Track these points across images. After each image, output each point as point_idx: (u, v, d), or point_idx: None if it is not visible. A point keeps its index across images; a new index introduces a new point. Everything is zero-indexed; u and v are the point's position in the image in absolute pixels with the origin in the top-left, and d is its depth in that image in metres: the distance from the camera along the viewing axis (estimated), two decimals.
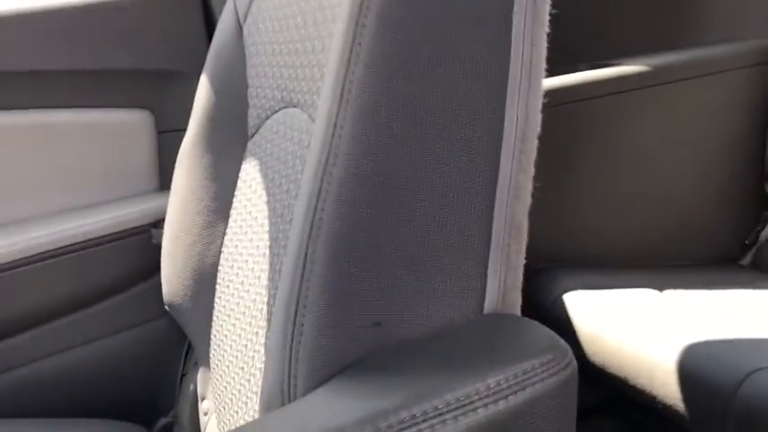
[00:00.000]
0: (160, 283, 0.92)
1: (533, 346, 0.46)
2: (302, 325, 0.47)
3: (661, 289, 1.12)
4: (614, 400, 1.07)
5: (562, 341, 0.48)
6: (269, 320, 0.66)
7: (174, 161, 0.95)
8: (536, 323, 0.51)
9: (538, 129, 0.53)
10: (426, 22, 0.48)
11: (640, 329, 0.97)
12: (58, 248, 0.97)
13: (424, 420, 0.41)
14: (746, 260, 1.34)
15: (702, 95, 1.28)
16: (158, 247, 0.96)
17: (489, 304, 0.52)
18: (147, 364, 1.01)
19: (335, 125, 0.47)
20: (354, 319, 0.47)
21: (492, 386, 0.43)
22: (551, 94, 1.28)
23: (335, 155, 0.47)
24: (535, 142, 0.53)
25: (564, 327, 1.07)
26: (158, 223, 1.03)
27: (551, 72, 1.12)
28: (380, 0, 0.49)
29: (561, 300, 1.08)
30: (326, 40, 0.63)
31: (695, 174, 1.30)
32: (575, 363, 0.47)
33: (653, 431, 1.11)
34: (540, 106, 0.53)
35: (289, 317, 0.47)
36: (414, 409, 0.41)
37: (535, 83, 0.52)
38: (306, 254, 0.47)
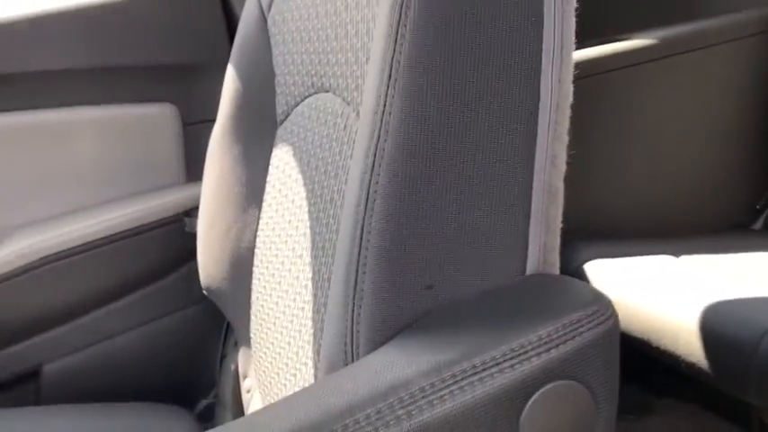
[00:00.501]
0: (195, 270, 0.96)
1: (579, 300, 0.50)
2: (362, 290, 0.50)
3: (677, 255, 1.16)
4: (637, 364, 1.11)
5: (604, 294, 0.52)
6: (315, 295, 0.70)
7: (201, 152, 0.98)
8: (577, 280, 0.54)
9: (570, 99, 0.57)
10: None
11: (660, 293, 1.01)
12: (96, 240, 1.01)
13: (484, 369, 0.45)
14: (758, 225, 1.38)
15: (711, 65, 1.31)
16: (191, 236, 0.99)
17: (531, 265, 0.56)
18: (187, 348, 1.05)
19: (385, 103, 0.50)
20: (410, 283, 0.51)
21: (543, 337, 0.46)
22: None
23: (386, 131, 0.50)
24: (568, 111, 0.57)
25: None
26: (191, 212, 1.06)
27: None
28: None
29: (582, 270, 1.11)
30: (360, 24, 0.66)
31: (706, 143, 1.33)
32: (617, 313, 0.51)
33: (672, 393, 1.15)
34: (571, 77, 0.56)
35: (349, 283, 0.51)
36: (474, 360, 0.45)
37: (567, 55, 0.55)
38: (362, 225, 0.51)
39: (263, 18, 0.91)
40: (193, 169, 1.09)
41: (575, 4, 0.55)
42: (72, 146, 1.03)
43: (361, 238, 0.51)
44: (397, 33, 0.50)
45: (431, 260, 0.52)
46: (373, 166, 0.51)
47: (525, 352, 0.45)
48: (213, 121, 0.97)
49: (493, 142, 0.52)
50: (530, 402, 0.46)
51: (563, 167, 0.58)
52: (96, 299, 1.02)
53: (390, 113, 0.50)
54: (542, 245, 0.56)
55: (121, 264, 1.03)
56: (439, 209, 0.51)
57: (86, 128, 1.04)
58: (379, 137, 0.50)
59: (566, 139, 0.58)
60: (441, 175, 0.51)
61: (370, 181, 0.51)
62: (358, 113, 0.66)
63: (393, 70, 0.50)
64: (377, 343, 0.49)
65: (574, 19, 0.56)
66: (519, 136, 0.53)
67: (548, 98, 0.54)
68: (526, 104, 0.53)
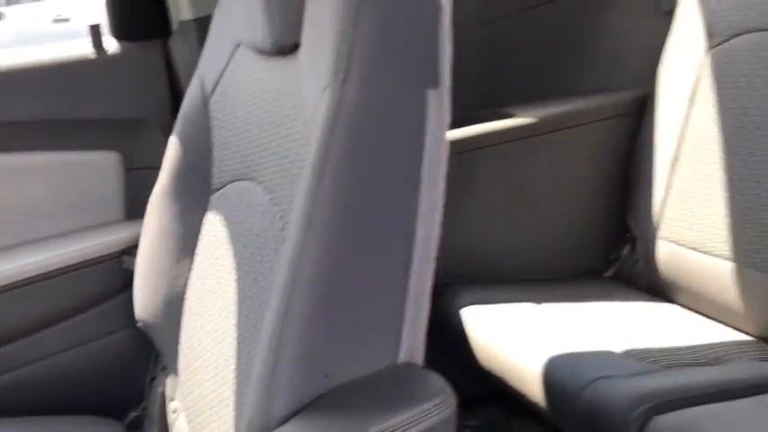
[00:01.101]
0: (130, 299, 1.13)
1: (429, 392, 0.71)
2: (277, 375, 0.70)
3: (539, 302, 1.41)
4: (499, 390, 1.35)
5: (448, 387, 0.73)
6: (238, 353, 0.88)
7: (141, 195, 1.15)
8: (433, 373, 0.75)
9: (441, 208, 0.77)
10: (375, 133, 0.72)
11: (517, 340, 1.25)
12: (42, 273, 1.16)
13: None
14: (610, 272, 1.66)
15: (582, 140, 1.57)
16: (129, 271, 1.16)
17: (402, 352, 0.76)
18: (120, 367, 1.21)
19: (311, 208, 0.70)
20: (314, 371, 0.70)
21: (402, 421, 0.67)
22: (460, 143, 1.54)
23: (309, 234, 0.70)
24: (438, 225, 0.77)
25: (462, 336, 1.33)
26: (127, 250, 1.22)
27: (461, 116, 1.43)
28: (347, 115, 0.71)
29: (460, 314, 1.35)
30: (293, 129, 0.83)
31: (573, 204, 1.59)
32: (455, 401, 0.72)
33: (528, 416, 1.41)
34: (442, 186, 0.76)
35: (268, 364, 0.70)
36: None
37: (437, 174, 0.75)
38: (283, 319, 0.70)
39: (205, 100, 1.07)
40: (133, 210, 1.25)
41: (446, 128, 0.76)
42: (25, 187, 1.17)
43: (281, 333, 0.70)
44: (327, 146, 0.70)
45: (328, 353, 0.72)
46: (295, 262, 0.70)
47: None
48: (153, 167, 1.13)
49: (380, 249, 0.72)
50: None
51: (434, 252, 0.78)
52: (40, 322, 1.17)
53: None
54: (412, 339, 0.77)
55: (63, 293, 1.18)
56: (334, 308, 0.71)
57: (38, 171, 1.18)
58: (306, 230, 0.70)
59: (434, 255, 0.77)
60: (338, 278, 0.71)
61: (290, 293, 0.70)
62: (279, 206, 0.85)
63: (319, 179, 0.70)
64: (284, 417, 0.69)
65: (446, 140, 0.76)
66: (398, 252, 0.73)
67: (421, 227, 0.74)
68: (402, 224, 0.73)
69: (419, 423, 0.68)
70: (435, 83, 0.75)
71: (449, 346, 1.38)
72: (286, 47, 0.84)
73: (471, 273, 1.48)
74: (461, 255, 1.48)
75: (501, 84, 1.64)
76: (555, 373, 1.14)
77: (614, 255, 1.65)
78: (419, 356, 0.79)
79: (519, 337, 1.26)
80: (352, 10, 0.73)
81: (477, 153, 1.48)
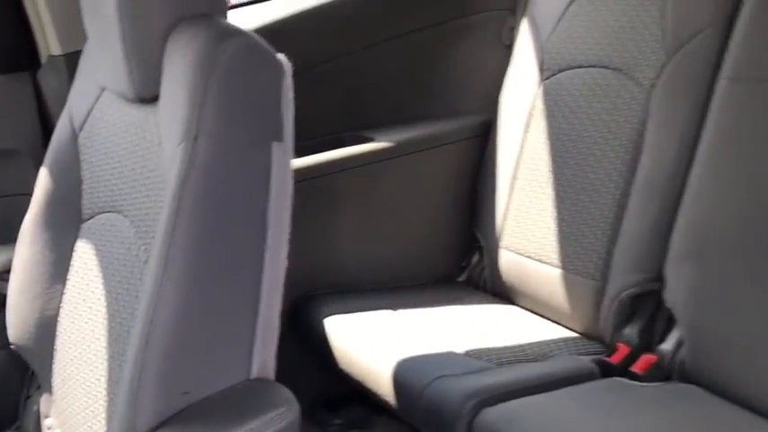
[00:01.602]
0: (3, 322, 1.18)
1: (275, 402, 0.84)
2: (141, 393, 0.80)
3: (395, 309, 1.57)
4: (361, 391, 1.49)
5: (293, 397, 0.86)
6: (109, 373, 0.97)
7: (12, 220, 1.20)
8: (280, 386, 0.88)
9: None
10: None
11: (372, 345, 1.40)
12: None
13: None
14: (463, 277, 1.84)
15: (436, 161, 1.74)
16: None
17: (255, 367, 0.88)
18: None
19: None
20: (175, 389, 0.81)
21: (248, 430, 0.79)
22: (324, 165, 1.67)
23: (168, 261, 0.80)
24: (284, 258, 0.89)
25: (325, 343, 1.47)
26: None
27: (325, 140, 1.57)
28: (199, 169, 0.82)
29: (324, 323, 1.48)
30: (155, 167, 0.93)
31: (428, 218, 1.77)
32: (298, 409, 0.85)
33: (386, 413, 1.56)
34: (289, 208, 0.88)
35: (133, 382, 0.80)
36: None
37: (282, 214, 0.88)
38: (147, 339, 0.80)
39: (74, 135, 1.14)
40: (4, 236, 1.29)
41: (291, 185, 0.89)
42: None
43: (144, 356, 0.80)
44: (182, 195, 0.80)
45: (190, 370, 0.82)
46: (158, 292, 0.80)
47: None
48: (24, 194, 1.18)
49: (232, 281, 0.84)
50: None
51: (282, 280, 0.90)
52: None
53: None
54: (263, 356, 0.89)
55: None
56: (190, 331, 0.82)
57: None
58: (165, 266, 0.80)
59: (282, 274, 0.90)
60: (195, 303, 0.81)
61: (153, 307, 0.80)
62: (143, 240, 0.94)
63: (175, 222, 0.80)
64: (148, 430, 0.80)
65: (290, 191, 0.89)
66: (248, 284, 0.85)
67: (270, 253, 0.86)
68: (251, 261, 0.85)
69: (266, 429, 0.81)
70: (279, 137, 0.87)
71: (314, 352, 1.52)
72: (147, 98, 0.94)
73: (335, 284, 1.62)
74: (326, 268, 1.62)
75: (364, 110, 1.79)
76: (402, 373, 1.30)
77: (465, 262, 1.84)
78: (270, 371, 0.91)
79: (374, 342, 1.41)
80: (204, 72, 0.84)
81: (340, 174, 1.62)
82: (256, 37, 0.89)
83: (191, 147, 0.82)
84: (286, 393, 0.87)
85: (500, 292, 1.73)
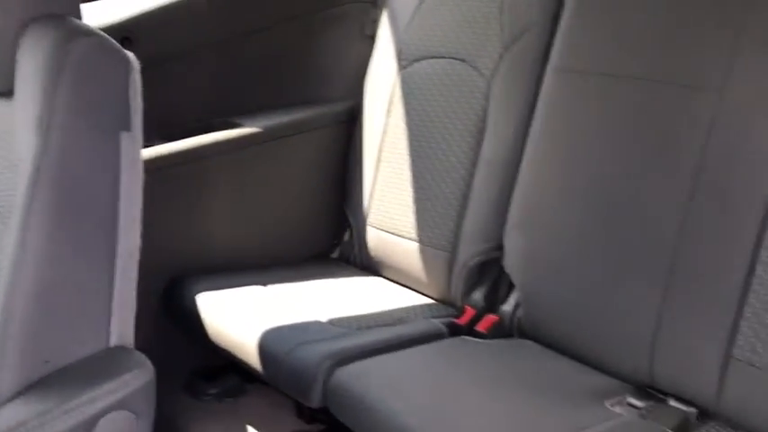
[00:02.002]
0: None
1: (130, 366, 0.94)
2: (4, 361, 0.88)
3: (266, 284, 1.68)
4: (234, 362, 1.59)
5: (147, 361, 0.96)
6: None
7: None
8: (136, 352, 0.97)
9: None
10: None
11: (241, 318, 1.50)
12: None
13: (66, 413, 0.86)
14: (336, 254, 1.97)
15: (306, 145, 1.85)
16: None
17: (113, 337, 0.98)
18: None
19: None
20: (33, 359, 0.90)
21: (110, 389, 0.89)
22: (193, 151, 1.74)
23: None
24: (138, 235, 0.98)
25: (198, 321, 1.56)
26: None
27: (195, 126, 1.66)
28: (51, 157, 0.90)
29: (196, 301, 1.57)
30: (11, 158, 1.00)
31: (300, 199, 1.88)
32: (152, 371, 0.95)
33: (259, 381, 1.67)
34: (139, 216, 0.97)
35: None
36: (63, 407, 0.86)
37: (133, 196, 0.96)
38: (6, 318, 0.88)
39: None
40: None
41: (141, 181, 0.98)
42: None
43: (5, 328, 0.88)
44: (36, 181, 0.89)
45: (50, 341, 0.91)
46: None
47: (92, 400, 0.88)
48: None
49: (84, 265, 0.93)
50: (97, 426, 0.88)
51: (137, 257, 0.99)
52: None
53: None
54: (122, 325, 0.98)
55: None
56: (55, 306, 0.90)
57: None
58: (23, 245, 0.88)
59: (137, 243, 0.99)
60: (54, 283, 0.90)
61: (13, 284, 0.88)
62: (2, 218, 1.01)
63: (30, 205, 0.88)
64: (11, 396, 0.88)
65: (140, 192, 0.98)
66: (103, 260, 0.93)
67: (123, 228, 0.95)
68: (106, 230, 0.94)
69: (121, 390, 0.91)
70: (127, 127, 0.96)
71: (189, 329, 1.61)
72: (3, 92, 1.00)
73: (208, 265, 1.71)
74: (198, 250, 1.71)
75: (234, 97, 1.87)
76: (267, 342, 1.41)
77: (337, 240, 1.97)
78: (128, 340, 1.01)
79: (243, 316, 1.51)
80: (54, 69, 0.92)
81: (209, 159, 1.70)
82: (104, 36, 0.97)
83: (43, 137, 0.90)
84: (141, 358, 0.97)
85: (368, 266, 1.88)
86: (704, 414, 1.32)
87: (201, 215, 1.71)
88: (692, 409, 1.32)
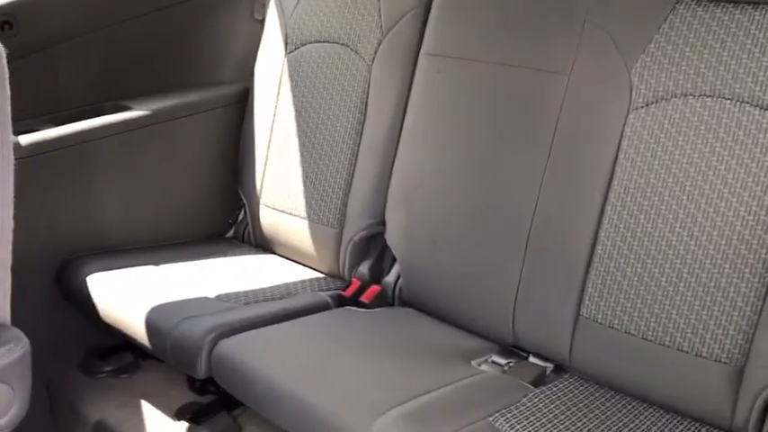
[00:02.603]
0: None
1: (4, 340, 0.98)
2: None
3: (158, 264, 1.72)
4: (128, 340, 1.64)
5: (22, 335, 1.00)
6: None
7: None
8: (12, 327, 1.02)
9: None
10: None
11: (129, 297, 1.55)
12: None
13: None
14: (231, 234, 2.03)
15: (197, 127, 1.90)
16: None
17: None
18: None
19: None
20: None
21: None
22: (82, 134, 1.76)
23: None
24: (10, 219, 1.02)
25: (88, 302, 1.60)
26: None
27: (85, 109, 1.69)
28: None
29: (86, 282, 1.60)
30: None
31: (194, 180, 1.93)
32: (28, 345, 1.00)
33: (152, 357, 1.72)
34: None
35: None
36: None
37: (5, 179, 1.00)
38: None
39: None
40: None
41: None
42: None
43: None
44: None
45: None
46: None
47: None
48: None
49: None
50: None
51: (10, 238, 1.03)
52: None
53: None
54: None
55: None
56: None
57: None
58: None
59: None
60: None
61: None
62: None
63: None
64: None
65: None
66: None
67: None
68: None
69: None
70: None
71: (82, 310, 1.64)
72: None
73: (100, 246, 1.74)
74: (90, 232, 1.73)
75: (124, 81, 1.89)
76: (154, 318, 1.47)
77: (232, 219, 2.03)
78: (5, 316, 1.05)
79: (132, 294, 1.56)
80: None
81: (99, 142, 1.73)
82: None
83: None
84: (16, 333, 1.01)
85: (262, 244, 1.94)
86: (559, 368, 1.46)
87: (93, 198, 1.73)
88: (549, 365, 1.46)
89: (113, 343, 1.74)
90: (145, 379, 1.73)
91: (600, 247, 1.38)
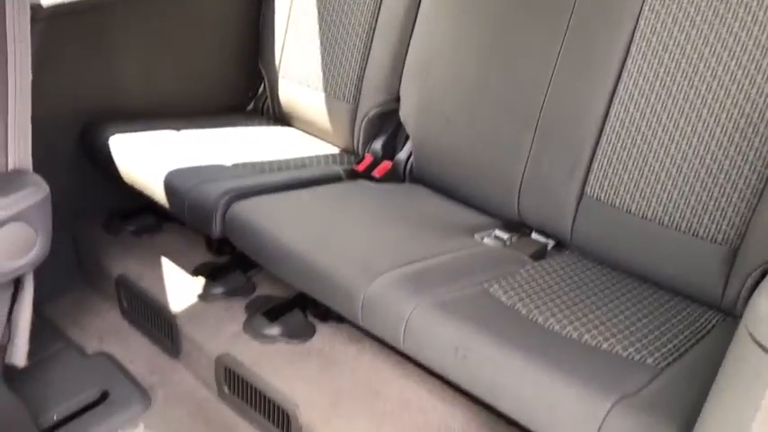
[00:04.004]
0: None
1: (25, 184, 1.04)
2: None
3: (179, 130, 1.77)
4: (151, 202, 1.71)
5: (42, 181, 1.06)
6: None
7: None
8: (33, 173, 1.08)
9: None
10: None
11: (151, 160, 1.60)
12: None
13: None
14: (251, 107, 2.06)
15: (217, 3, 1.89)
16: None
17: (11, 164, 1.08)
18: None
19: None
20: None
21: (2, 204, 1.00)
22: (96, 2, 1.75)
23: None
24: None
25: (110, 163, 1.66)
26: None
27: None
28: None
29: (108, 143, 1.66)
30: None
31: (214, 54, 1.94)
32: (47, 189, 1.06)
33: (174, 220, 1.81)
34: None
35: None
36: None
37: (22, 38, 1.04)
38: None
39: None
40: None
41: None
42: None
43: None
44: None
45: None
46: None
47: None
48: None
49: None
50: None
51: (28, 92, 1.08)
52: None
53: None
54: (18, 152, 1.08)
55: None
56: None
57: None
58: None
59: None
60: None
61: None
62: None
63: None
64: None
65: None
66: None
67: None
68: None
69: (17, 204, 1.02)
70: None
71: (104, 170, 1.71)
72: None
73: (124, 111, 1.78)
74: (114, 96, 1.77)
75: None
76: (172, 181, 1.52)
77: (252, 93, 2.05)
78: (27, 164, 1.11)
79: (152, 157, 1.61)
80: None
81: (119, 8, 1.73)
82: None
83: None
84: (37, 179, 1.08)
85: (280, 117, 1.97)
86: (561, 245, 1.51)
87: (114, 63, 1.76)
88: (551, 241, 1.51)
89: (136, 205, 1.82)
90: (165, 239, 1.82)
91: (608, 128, 1.39)
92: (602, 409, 0.98)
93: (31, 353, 1.27)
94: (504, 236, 1.49)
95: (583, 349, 1.12)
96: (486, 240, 1.48)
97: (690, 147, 1.30)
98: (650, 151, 1.34)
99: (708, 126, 1.28)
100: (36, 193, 1.05)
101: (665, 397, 1.02)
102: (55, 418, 1.42)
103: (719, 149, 1.27)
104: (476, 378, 1.11)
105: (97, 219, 1.84)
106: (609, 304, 1.27)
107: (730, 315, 1.30)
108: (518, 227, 1.53)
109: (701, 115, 1.29)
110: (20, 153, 1.10)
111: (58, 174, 1.19)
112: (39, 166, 1.15)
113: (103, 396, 1.48)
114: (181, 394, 1.52)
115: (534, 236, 1.52)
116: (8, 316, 1.19)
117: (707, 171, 1.29)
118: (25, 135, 1.10)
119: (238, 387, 1.46)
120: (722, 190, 1.27)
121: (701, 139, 1.29)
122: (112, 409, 1.45)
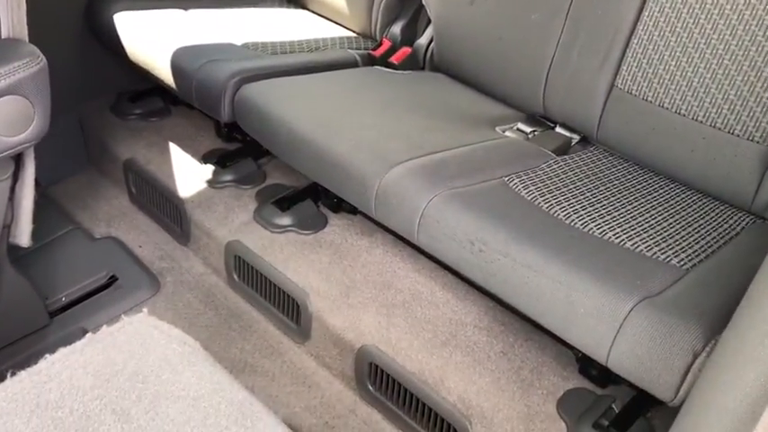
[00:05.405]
0: None
1: (21, 54, 0.97)
2: None
3: (187, 9, 1.67)
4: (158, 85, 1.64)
5: (36, 50, 0.99)
6: None
7: None
8: (30, 45, 1.01)
9: None
10: None
11: (157, 37, 1.52)
12: None
13: None
14: None
15: None
16: None
17: (5, 33, 1.01)
18: None
19: None
20: None
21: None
22: None
23: None
24: None
25: (116, 41, 1.57)
26: None
27: None
28: None
29: (113, 19, 1.57)
30: None
31: None
32: (44, 61, 1.00)
33: (183, 103, 1.74)
34: None
35: None
36: None
37: None
38: None
39: None
40: None
41: None
42: None
43: None
44: None
45: None
46: None
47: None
48: None
49: None
50: None
51: None
52: None
53: None
54: (12, 19, 1.01)
55: None
56: None
57: None
58: None
59: None
60: None
61: None
62: None
63: None
64: None
65: None
66: None
67: None
68: None
69: (12, 75, 0.96)
70: None
71: (108, 47, 1.62)
72: None
73: None
74: None
75: None
76: (179, 59, 1.44)
77: None
78: (22, 33, 1.04)
79: (158, 35, 1.53)
80: None
81: None
82: None
83: None
84: (31, 48, 1.01)
85: None
86: (586, 141, 1.43)
87: None
88: (576, 136, 1.43)
89: (145, 88, 1.75)
90: (174, 124, 1.76)
91: (646, 14, 1.28)
92: (623, 309, 0.95)
93: (39, 236, 1.24)
94: (527, 129, 1.42)
95: (605, 247, 1.07)
96: (507, 133, 1.41)
97: (734, 36, 1.20)
98: (690, 41, 1.24)
99: (756, 13, 1.18)
100: (31, 63, 0.99)
101: (688, 299, 0.98)
102: (64, 299, 1.41)
103: (765, 38, 1.17)
104: (491, 273, 1.07)
105: (104, 101, 1.77)
106: (634, 203, 1.21)
107: (761, 218, 1.24)
108: (542, 120, 1.45)
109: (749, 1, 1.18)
110: (13, 19, 1.02)
111: (61, 50, 1.12)
112: (40, 40, 1.08)
113: (112, 280, 1.47)
114: (190, 281, 1.50)
115: (558, 129, 1.44)
116: (10, 195, 1.15)
117: (750, 63, 1.19)
118: (19, 0, 1.03)
119: (248, 275, 1.44)
120: (765, 84, 1.18)
121: (746, 28, 1.18)
122: (122, 293, 1.44)
